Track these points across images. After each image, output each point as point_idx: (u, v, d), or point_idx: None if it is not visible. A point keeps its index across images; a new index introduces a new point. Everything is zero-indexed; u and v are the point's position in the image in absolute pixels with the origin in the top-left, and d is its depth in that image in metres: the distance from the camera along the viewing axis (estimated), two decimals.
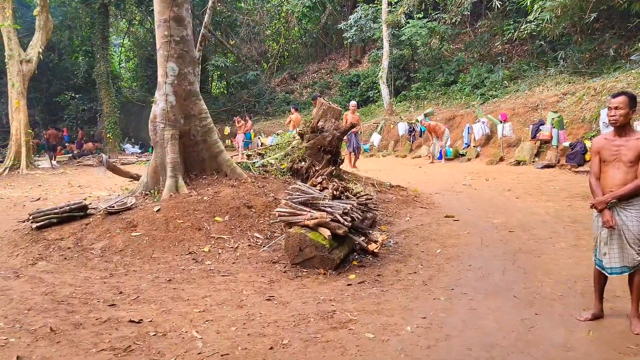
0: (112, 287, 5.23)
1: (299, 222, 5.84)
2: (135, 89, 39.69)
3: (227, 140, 30.69)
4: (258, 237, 6.85)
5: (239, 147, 23.27)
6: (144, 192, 8.61)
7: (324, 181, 6.00)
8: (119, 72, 39.14)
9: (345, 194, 5.98)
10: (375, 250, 6.17)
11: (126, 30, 36.80)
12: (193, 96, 8.34)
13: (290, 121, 17.75)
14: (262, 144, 27.66)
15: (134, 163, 21.35)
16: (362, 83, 28.46)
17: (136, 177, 9.47)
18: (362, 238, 6.20)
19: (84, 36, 33.09)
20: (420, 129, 18.09)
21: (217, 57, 32.40)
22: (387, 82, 22.26)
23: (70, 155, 26.99)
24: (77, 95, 35.56)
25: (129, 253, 6.39)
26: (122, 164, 21.13)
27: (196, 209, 7.27)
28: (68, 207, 7.36)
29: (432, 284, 5.19)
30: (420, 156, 18.05)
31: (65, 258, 6.29)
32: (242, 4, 35.28)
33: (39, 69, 32.86)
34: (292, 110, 17.88)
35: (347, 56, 35.79)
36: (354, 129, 13.13)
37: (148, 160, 23.15)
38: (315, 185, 6.13)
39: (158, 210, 7.21)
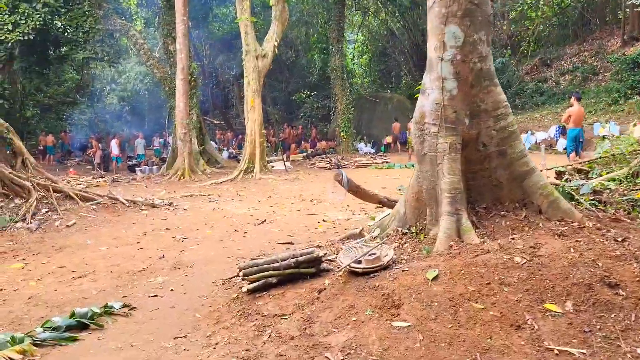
0: None
1: None
2: (367, 85, 38.28)
3: None
4: None
5: None
6: (400, 229, 5.68)
7: None
8: (352, 68, 38.13)
9: None
10: None
11: (360, 23, 35.38)
12: (485, 79, 5.08)
13: (569, 116, 13.46)
14: None
15: (369, 166, 19.06)
16: None
17: (387, 203, 6.59)
18: None
19: (319, 32, 32.47)
20: None
21: None
22: None
23: (304, 154, 26.17)
24: (312, 93, 35.39)
25: None
26: (357, 166, 19.05)
27: (504, 281, 4.00)
28: (294, 260, 4.73)
29: None
30: None
31: None
32: None
33: (278, 68, 33.21)
34: (573, 100, 13.55)
35: (620, 33, 28.97)
36: None
37: (385, 163, 20.81)
38: None
39: (435, 279, 4.14)
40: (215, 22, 36.39)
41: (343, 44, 25.33)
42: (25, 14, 21.56)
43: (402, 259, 4.82)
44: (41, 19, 21.71)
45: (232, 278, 5.12)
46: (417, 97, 5.46)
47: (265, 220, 8.50)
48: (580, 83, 27.81)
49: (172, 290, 5.32)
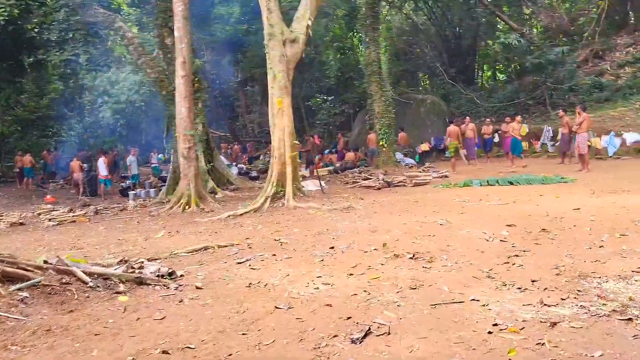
0: None
1: None
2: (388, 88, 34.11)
3: (523, 143, 22.85)
4: None
5: (582, 152, 15.26)
6: None
7: None
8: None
9: None
10: None
11: (384, 17, 31.29)
12: None
13: None
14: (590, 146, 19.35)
15: (427, 183, 14.67)
16: None
17: None
18: None
19: (339, 28, 28.37)
20: None
21: (504, 35, 24.55)
22: None
23: (330, 168, 21.86)
24: (329, 98, 31.52)
25: None
26: (416, 183, 14.69)
27: None
28: None
29: None
30: None
31: None
32: None
33: None
34: None
35: None
36: None
37: (443, 178, 15.64)
38: None
39: None
40: (217, 22, 32.29)
41: (378, 32, 20.98)
42: None
43: None
44: (6, 13, 17.55)
45: None
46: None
47: (369, 330, 4.06)
48: None
49: None
